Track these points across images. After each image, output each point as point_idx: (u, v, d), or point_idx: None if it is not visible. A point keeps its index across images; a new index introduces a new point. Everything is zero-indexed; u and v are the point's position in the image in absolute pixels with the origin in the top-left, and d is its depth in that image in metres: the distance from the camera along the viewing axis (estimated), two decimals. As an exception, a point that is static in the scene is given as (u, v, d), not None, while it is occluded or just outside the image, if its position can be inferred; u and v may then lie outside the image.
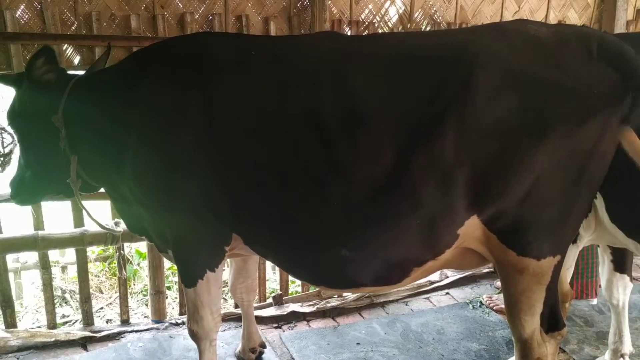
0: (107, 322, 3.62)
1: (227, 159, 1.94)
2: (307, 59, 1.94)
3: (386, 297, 3.70)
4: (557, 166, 1.72)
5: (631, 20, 4.41)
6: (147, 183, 2.08)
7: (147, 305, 3.93)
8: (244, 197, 1.98)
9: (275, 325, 3.40)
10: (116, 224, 3.08)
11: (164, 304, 3.45)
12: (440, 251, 1.90)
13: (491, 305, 3.57)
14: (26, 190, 2.46)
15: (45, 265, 3.22)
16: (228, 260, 2.83)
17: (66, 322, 3.68)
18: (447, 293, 3.86)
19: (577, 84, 1.67)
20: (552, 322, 2.01)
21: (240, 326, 3.04)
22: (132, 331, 3.28)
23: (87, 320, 3.34)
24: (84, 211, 2.47)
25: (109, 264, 4.56)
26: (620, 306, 2.74)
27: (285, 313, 3.45)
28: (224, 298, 3.93)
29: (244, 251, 2.24)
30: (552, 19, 4.21)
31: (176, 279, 3.78)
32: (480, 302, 3.65)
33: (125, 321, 3.42)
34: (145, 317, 3.77)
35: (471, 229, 1.85)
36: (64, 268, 4.58)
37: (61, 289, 4.16)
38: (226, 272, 3.15)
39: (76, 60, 3.03)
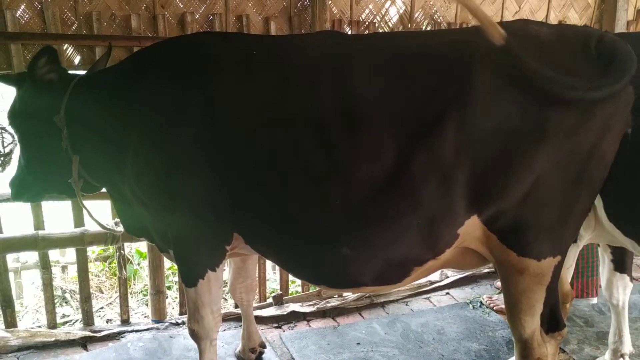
0: (107, 322, 3.62)
1: (228, 159, 1.94)
2: (307, 59, 1.94)
3: (386, 297, 3.70)
4: (557, 166, 1.72)
5: (631, 21, 4.41)
6: (148, 183, 2.08)
7: (147, 305, 3.93)
8: (245, 197, 1.98)
9: (275, 325, 3.40)
10: (116, 223, 3.08)
11: (164, 303, 3.45)
12: (440, 251, 1.90)
13: (491, 305, 3.57)
14: (27, 191, 2.46)
15: (45, 265, 3.22)
16: (227, 260, 2.83)
17: (66, 322, 3.68)
18: (447, 293, 3.86)
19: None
20: (552, 322, 2.00)
21: (240, 326, 3.04)
22: (132, 331, 3.28)
23: (87, 320, 3.35)
24: (84, 211, 2.48)
25: (109, 264, 4.57)
26: (620, 306, 2.74)
27: (285, 313, 3.45)
28: (224, 298, 3.92)
29: (245, 250, 2.25)
30: (553, 19, 4.21)
31: (176, 278, 3.79)
32: (481, 302, 3.65)
33: (125, 321, 3.42)
34: (145, 317, 3.77)
35: (471, 228, 1.85)
36: (64, 268, 4.59)
37: (61, 288, 4.16)
38: (226, 272, 3.15)
39: (76, 60, 3.03)
